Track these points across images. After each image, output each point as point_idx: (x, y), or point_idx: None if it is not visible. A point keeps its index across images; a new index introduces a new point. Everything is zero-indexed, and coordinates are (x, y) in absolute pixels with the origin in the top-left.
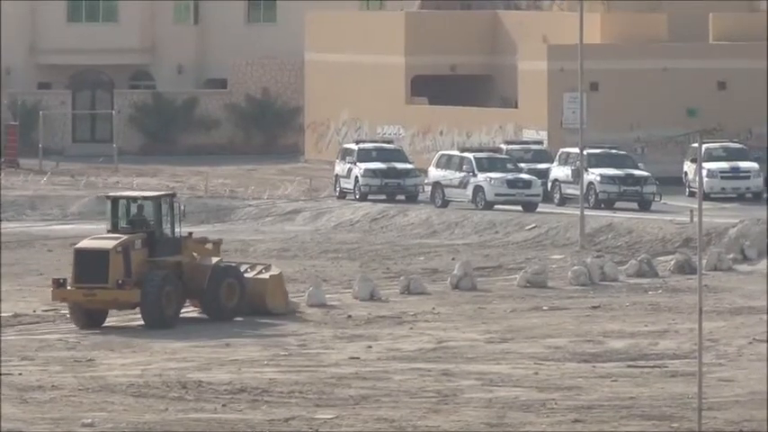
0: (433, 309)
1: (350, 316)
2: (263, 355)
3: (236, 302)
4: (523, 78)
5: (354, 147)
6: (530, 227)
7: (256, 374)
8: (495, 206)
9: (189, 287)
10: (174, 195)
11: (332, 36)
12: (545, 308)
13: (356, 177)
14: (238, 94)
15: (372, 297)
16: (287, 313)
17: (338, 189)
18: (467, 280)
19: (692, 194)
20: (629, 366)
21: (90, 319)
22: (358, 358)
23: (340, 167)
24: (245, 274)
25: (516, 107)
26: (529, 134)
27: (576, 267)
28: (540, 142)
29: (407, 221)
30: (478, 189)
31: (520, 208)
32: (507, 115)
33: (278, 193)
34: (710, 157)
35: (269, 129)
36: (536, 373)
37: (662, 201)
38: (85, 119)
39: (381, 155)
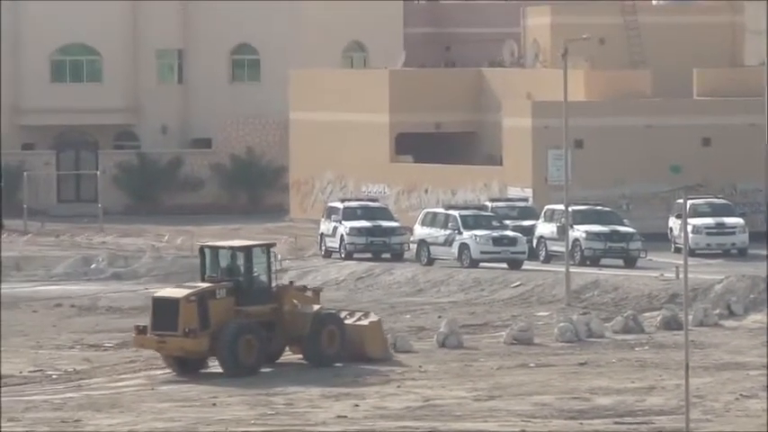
0: (420, 367)
1: (337, 374)
2: (249, 414)
3: (336, 349)
4: (508, 135)
5: (339, 205)
6: (515, 284)
7: None
8: (481, 264)
9: (290, 334)
10: (272, 246)
11: (316, 94)
12: (532, 365)
13: (341, 236)
14: (223, 153)
15: None
16: (385, 359)
17: (324, 248)
18: (453, 338)
19: (677, 250)
20: (617, 423)
21: (184, 365)
22: (345, 417)
23: (325, 226)
24: (344, 321)
25: (501, 164)
26: (514, 191)
27: (562, 324)
28: (525, 199)
29: (393, 280)
30: (464, 247)
31: (505, 265)
32: (492, 172)
33: None
34: (696, 212)
35: (254, 188)
36: (523, 431)
37: (647, 257)
38: (70, 179)
39: (366, 213)
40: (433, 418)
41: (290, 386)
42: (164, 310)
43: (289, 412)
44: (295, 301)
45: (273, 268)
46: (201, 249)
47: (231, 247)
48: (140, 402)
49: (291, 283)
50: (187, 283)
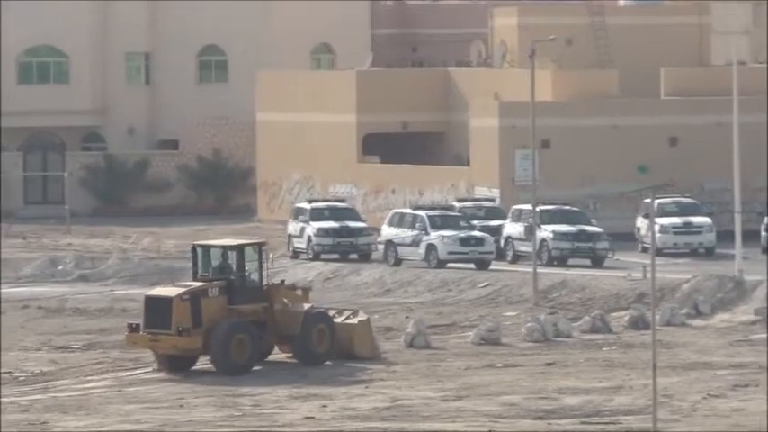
0: (388, 367)
1: (305, 375)
2: (216, 415)
3: (326, 347)
4: (475, 135)
5: (307, 206)
6: (483, 284)
7: None
8: (448, 264)
9: (281, 332)
10: (263, 244)
11: (283, 95)
12: (499, 365)
13: (309, 237)
14: (190, 154)
15: None
16: (374, 358)
17: (291, 248)
18: (421, 338)
19: (644, 250)
20: (584, 423)
21: (175, 363)
22: (313, 418)
23: (293, 227)
24: (334, 320)
25: (468, 164)
26: (481, 191)
27: (529, 324)
28: (492, 200)
29: (361, 280)
30: (431, 247)
31: (473, 266)
32: (459, 173)
33: None
34: (663, 212)
35: (221, 189)
36: (491, 431)
37: (615, 257)
38: (37, 181)
39: (334, 214)
40: (400, 418)
41: (258, 387)
42: (157, 309)
43: (256, 413)
44: (285, 299)
45: (265, 267)
46: (194, 248)
47: (223, 246)
48: (107, 404)
49: (282, 281)
50: (179, 282)
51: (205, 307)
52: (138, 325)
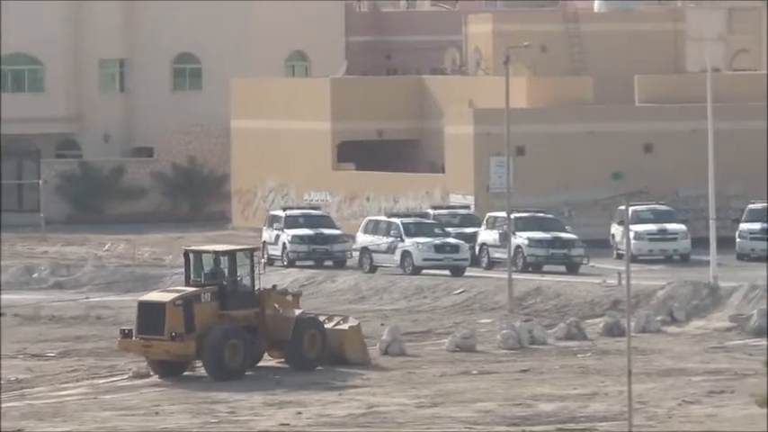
0: (363, 374)
1: (279, 381)
2: (192, 422)
3: (317, 353)
4: (450, 143)
5: (281, 213)
6: (458, 291)
7: None
8: (423, 271)
9: (272, 338)
10: (254, 250)
11: (258, 103)
12: (474, 372)
13: (284, 244)
14: (165, 161)
15: None
16: (365, 363)
17: (266, 256)
18: (396, 345)
19: (619, 257)
20: (559, 429)
21: (168, 368)
22: (288, 425)
23: (267, 234)
24: (324, 325)
25: (443, 172)
26: (456, 199)
27: (504, 331)
28: (467, 207)
29: (336, 287)
30: (406, 254)
31: (448, 272)
32: (434, 180)
33: None
34: (638, 219)
35: (196, 196)
36: None
37: (590, 263)
38: (12, 188)
39: (309, 221)
40: (375, 425)
41: (234, 394)
42: (150, 314)
43: (231, 420)
44: (276, 305)
45: (256, 272)
46: (186, 254)
47: (215, 252)
48: (83, 411)
49: (274, 287)
50: (172, 287)
51: (198, 312)
52: (130, 330)
